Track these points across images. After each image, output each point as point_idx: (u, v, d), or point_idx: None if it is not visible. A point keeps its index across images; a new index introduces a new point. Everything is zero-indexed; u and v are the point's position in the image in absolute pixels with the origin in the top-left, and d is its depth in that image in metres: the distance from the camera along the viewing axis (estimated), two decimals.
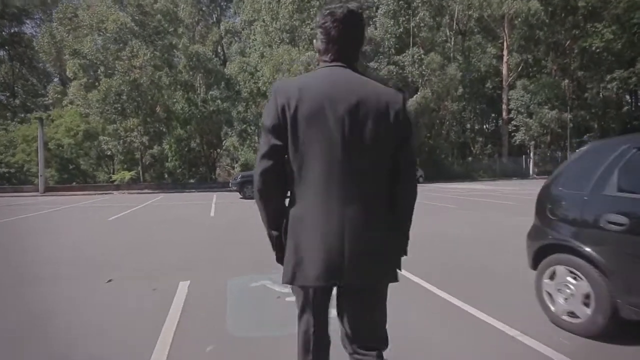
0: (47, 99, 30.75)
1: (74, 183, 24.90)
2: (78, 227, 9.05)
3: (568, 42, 40.63)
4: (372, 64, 30.37)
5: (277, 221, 1.49)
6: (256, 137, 33.06)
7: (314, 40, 1.56)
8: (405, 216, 1.55)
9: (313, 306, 1.52)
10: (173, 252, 5.89)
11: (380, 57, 31.63)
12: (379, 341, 1.54)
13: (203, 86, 29.96)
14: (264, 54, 28.61)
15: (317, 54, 1.55)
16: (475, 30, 40.47)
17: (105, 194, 22.64)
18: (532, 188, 21.49)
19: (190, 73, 28.38)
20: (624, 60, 36.10)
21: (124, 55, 22.60)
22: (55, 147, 24.63)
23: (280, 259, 1.50)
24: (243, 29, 38.39)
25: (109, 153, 25.24)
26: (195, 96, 28.95)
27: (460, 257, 5.42)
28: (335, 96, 1.39)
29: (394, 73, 30.61)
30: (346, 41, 1.47)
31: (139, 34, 23.14)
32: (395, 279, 1.47)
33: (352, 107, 1.39)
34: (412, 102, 30.18)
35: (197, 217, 10.12)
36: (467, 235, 7.03)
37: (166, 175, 30.18)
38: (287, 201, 1.50)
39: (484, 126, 45.91)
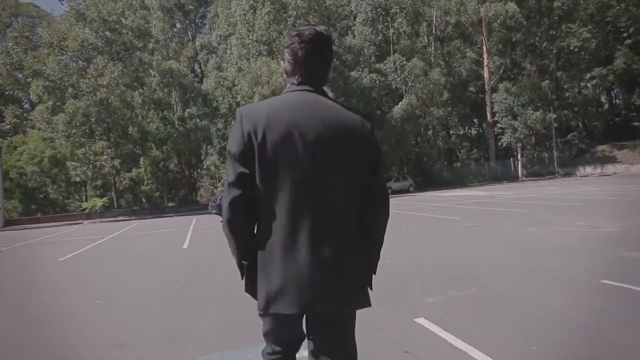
0: (4, 124, 28.62)
1: (39, 214, 22.97)
2: (11, 275, 7.32)
3: (544, 44, 40.95)
4: (353, 73, 29.56)
5: (247, 251, 1.47)
6: None
7: (282, 62, 1.55)
8: (376, 239, 1.55)
9: (282, 334, 1.53)
10: (111, 321, 4.09)
11: (361, 65, 30.87)
12: None
13: (179, 104, 28.55)
14: (242, 67, 27.47)
15: (284, 75, 1.54)
16: (454, 35, 40.35)
17: (74, 224, 20.83)
18: (528, 192, 20.82)
19: (165, 90, 26.96)
20: (600, 58, 36.36)
21: (89, 74, 21.05)
22: (17, 176, 22.69)
23: (249, 289, 1.49)
24: (219, 44, 37.32)
25: (77, 179, 23.36)
26: (171, 114, 27.48)
27: (529, 302, 3.73)
28: (303, 124, 1.38)
29: (377, 81, 29.84)
30: (313, 63, 1.46)
31: (105, 51, 21.69)
32: (367, 303, 1.48)
33: (321, 135, 1.38)
34: (397, 110, 29.39)
35: (165, 252, 8.62)
36: (505, 261, 5.58)
37: (143, 200, 28.40)
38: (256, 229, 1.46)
39: (468, 131, 45.58)
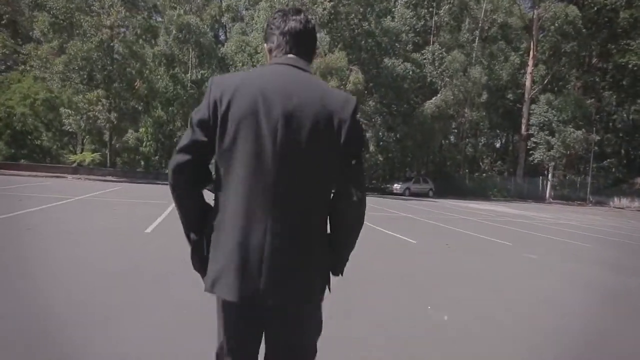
0: None
1: (23, 161, 20.94)
2: None
3: (595, 59, 37.56)
4: (386, 60, 26.74)
5: (194, 223, 1.35)
6: None
7: (264, 43, 1.48)
8: (345, 239, 1.43)
9: (230, 324, 1.35)
10: None
11: (397, 51, 28.02)
12: None
13: (194, 64, 26.15)
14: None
15: (267, 57, 1.45)
16: (498, 36, 36.99)
17: (57, 177, 18.74)
18: (565, 217, 18.36)
19: (180, 47, 24.52)
20: None
21: (93, 11, 18.66)
22: (5, 115, 20.60)
23: (196, 266, 1.36)
24: (247, 9, 34.73)
25: (69, 129, 21.18)
26: (183, 74, 25.09)
27: None
28: (271, 97, 1.25)
29: (410, 72, 27.04)
30: (295, 39, 1.37)
31: None
32: (321, 299, 1.35)
33: (288, 111, 1.24)
34: (429, 105, 26.64)
35: (117, 235, 6.20)
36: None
37: (142, 162, 26.27)
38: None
39: (499, 140, 42.49)
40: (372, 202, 18.12)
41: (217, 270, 1.25)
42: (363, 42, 26.17)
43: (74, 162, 20.02)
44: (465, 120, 29.84)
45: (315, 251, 1.31)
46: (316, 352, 1.43)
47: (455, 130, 31.05)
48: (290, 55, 1.35)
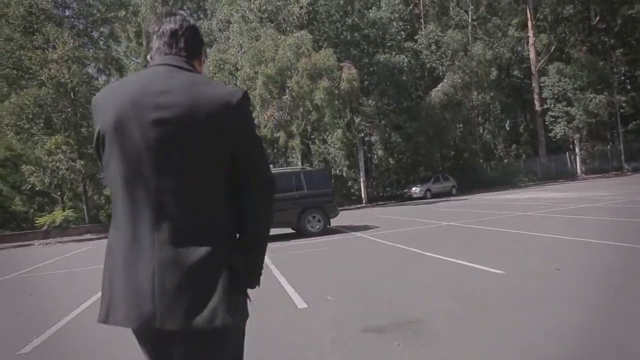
0: None
1: None
2: None
3: (597, 18, 34.79)
4: (379, 54, 24.04)
5: None
6: None
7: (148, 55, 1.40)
8: (253, 242, 1.27)
9: (145, 351, 1.23)
10: None
11: (389, 42, 25.39)
12: None
13: None
14: (242, 44, 22.35)
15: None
16: (488, 15, 34.21)
17: (23, 245, 15.92)
18: (622, 189, 15.28)
19: None
20: None
21: (34, 45, 16.16)
22: None
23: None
24: (220, 30, 32.55)
25: (37, 188, 18.49)
26: None
27: None
28: (143, 100, 1.13)
29: (405, 64, 24.30)
30: (172, 38, 1.28)
31: (58, 18, 16.76)
32: (230, 320, 1.14)
33: (162, 114, 1.12)
34: (436, 94, 23.79)
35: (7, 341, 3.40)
36: None
37: None
38: None
39: (512, 122, 39.27)
40: (395, 213, 15.09)
41: (111, 297, 1.16)
42: (349, 37, 23.61)
43: (44, 224, 17.27)
44: (475, 104, 26.88)
45: (210, 267, 1.14)
46: None
47: (468, 118, 28.00)
48: (168, 56, 1.27)
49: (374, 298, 4.29)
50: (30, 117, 16.84)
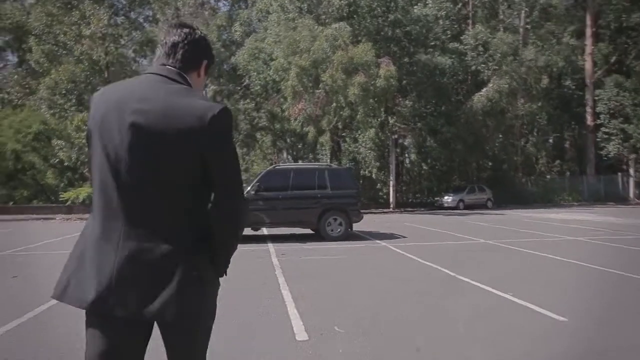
0: None
1: (11, 203, 18.52)
2: None
3: None
4: (419, 56, 22.67)
5: None
6: (268, 142, 26.06)
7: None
8: (219, 248, 1.33)
9: (89, 335, 1.29)
10: None
11: (432, 42, 23.98)
12: None
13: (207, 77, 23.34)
14: (279, 34, 21.67)
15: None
16: (542, 20, 31.79)
17: (45, 219, 15.96)
18: None
19: None
20: None
21: (70, 21, 16.09)
22: None
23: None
24: (259, 20, 32.16)
25: (66, 164, 18.63)
26: None
27: None
28: (126, 105, 1.22)
29: (448, 65, 22.79)
30: (171, 50, 1.36)
31: None
32: (179, 316, 1.21)
33: (137, 119, 1.19)
34: (479, 99, 22.23)
35: None
36: None
37: None
38: None
39: (552, 136, 36.65)
40: (425, 222, 13.89)
41: (66, 278, 1.24)
42: (390, 33, 22.43)
43: (67, 200, 17.32)
44: (520, 113, 24.99)
45: (168, 263, 1.22)
46: None
47: (513, 127, 26.08)
48: (163, 66, 1.34)
49: (395, 337, 3.35)
50: (64, 92, 16.92)
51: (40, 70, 20.57)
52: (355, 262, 6.77)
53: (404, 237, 10.01)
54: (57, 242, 9.32)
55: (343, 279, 5.51)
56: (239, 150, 28.26)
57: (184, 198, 1.24)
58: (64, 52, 17.66)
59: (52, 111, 17.53)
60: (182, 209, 1.24)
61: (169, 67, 1.31)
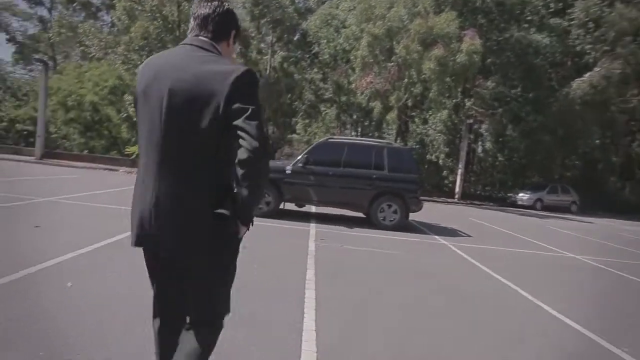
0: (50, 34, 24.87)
1: (85, 152, 19.64)
2: None
3: None
4: (511, 31, 19.72)
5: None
6: (332, 115, 25.01)
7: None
8: (243, 192, 1.41)
9: (150, 274, 1.60)
10: None
11: (528, 17, 20.78)
12: (197, 322, 1.56)
13: (272, 45, 22.75)
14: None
15: None
16: None
17: (109, 170, 16.67)
18: None
19: (255, 25, 21.25)
20: None
21: None
22: (75, 104, 19.47)
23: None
24: None
25: (134, 119, 19.31)
26: (258, 56, 21.82)
27: None
28: (164, 73, 1.43)
29: (544, 45, 19.55)
30: (203, 22, 1.52)
31: None
32: (216, 259, 1.48)
33: (173, 86, 1.40)
34: (579, 85, 19.03)
35: None
36: None
37: None
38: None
39: None
40: (494, 220, 11.89)
41: (131, 224, 1.51)
42: (479, 3, 19.74)
43: (132, 154, 18.00)
44: (630, 106, 21.06)
45: (197, 210, 1.42)
46: (223, 309, 1.58)
47: (616, 122, 22.14)
48: (196, 36, 1.52)
49: None
50: (137, 48, 17.25)
51: (121, 28, 21.33)
52: (405, 263, 5.60)
53: (469, 236, 8.55)
54: (101, 194, 9.29)
55: (384, 285, 4.40)
56: (301, 121, 27.76)
57: (212, 154, 1.42)
58: (139, 8, 17.88)
59: (125, 67, 18.12)
60: (209, 164, 1.43)
61: (202, 37, 1.51)
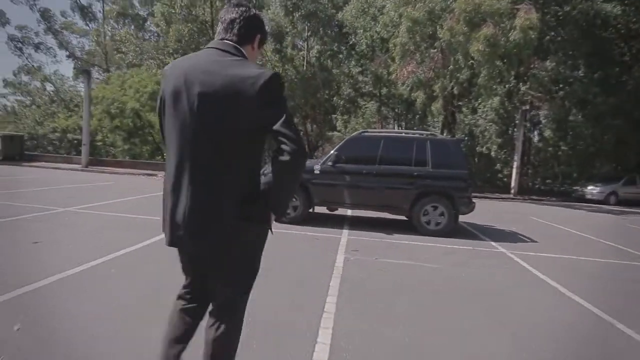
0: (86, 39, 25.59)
1: (127, 158, 20.02)
2: None
3: None
4: (575, 2, 17.39)
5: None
6: (373, 109, 23.82)
7: None
8: (276, 190, 1.54)
9: (183, 268, 1.73)
10: None
11: None
12: (217, 310, 1.67)
13: (306, 39, 22.04)
14: None
15: None
16: None
17: (148, 175, 16.81)
18: None
19: (289, 19, 20.65)
20: None
21: None
22: (117, 111, 19.98)
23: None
24: None
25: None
26: (293, 51, 21.21)
27: None
28: (193, 76, 1.49)
29: (615, 15, 17.04)
30: (229, 26, 1.61)
31: None
32: (242, 253, 1.61)
33: (203, 89, 1.47)
34: None
35: None
36: None
37: None
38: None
39: None
40: (560, 218, 9.99)
41: (162, 223, 1.61)
42: None
43: None
44: None
45: (228, 211, 1.49)
46: (243, 295, 1.70)
47: None
48: (222, 40, 1.60)
49: None
50: (171, 52, 17.27)
51: (161, 33, 21.63)
52: (452, 281, 4.50)
53: (534, 241, 7.21)
54: (119, 202, 8.99)
55: (422, 318, 3.39)
56: (340, 116, 26.82)
57: (242, 156, 1.51)
58: (174, 11, 17.93)
59: (160, 71, 18.28)
60: (240, 166, 1.51)
61: (227, 41, 1.59)
